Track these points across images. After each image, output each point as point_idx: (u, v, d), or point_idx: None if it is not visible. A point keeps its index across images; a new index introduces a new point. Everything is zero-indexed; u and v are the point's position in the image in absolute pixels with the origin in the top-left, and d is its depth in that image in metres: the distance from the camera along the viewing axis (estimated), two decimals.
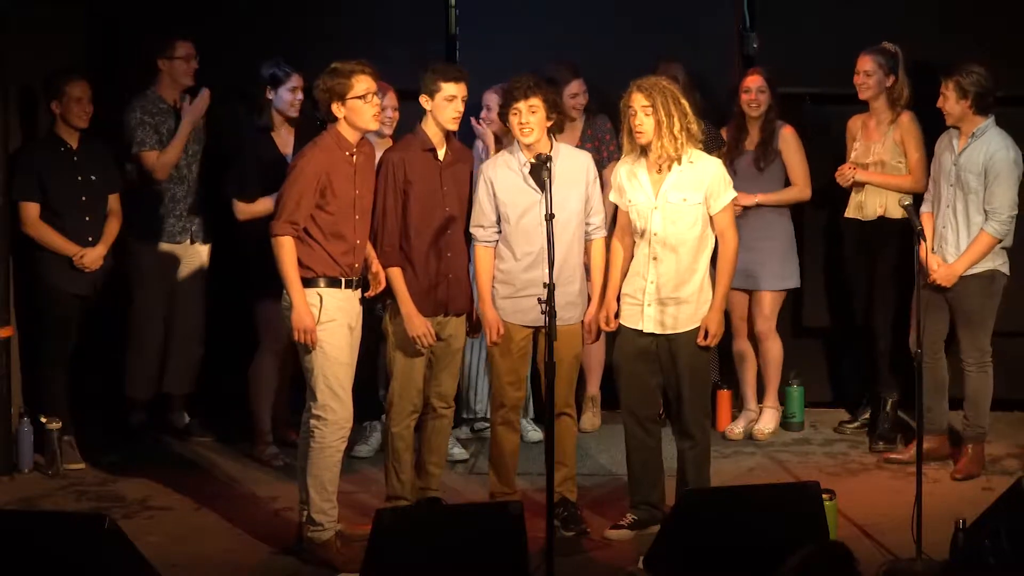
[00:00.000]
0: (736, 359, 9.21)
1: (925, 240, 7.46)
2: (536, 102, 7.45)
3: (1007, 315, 8.92)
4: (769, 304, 9.02)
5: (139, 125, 8.81)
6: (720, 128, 9.00)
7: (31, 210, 8.52)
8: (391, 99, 8.33)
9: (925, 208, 8.45)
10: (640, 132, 7.40)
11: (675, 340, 7.48)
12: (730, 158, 8.84)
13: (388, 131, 8.39)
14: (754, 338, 9.13)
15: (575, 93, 8.90)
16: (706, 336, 7.45)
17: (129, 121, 8.83)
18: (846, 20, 9.23)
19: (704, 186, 7.43)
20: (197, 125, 8.90)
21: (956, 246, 8.26)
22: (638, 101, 7.38)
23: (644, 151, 7.46)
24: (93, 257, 8.56)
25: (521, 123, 7.46)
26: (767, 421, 9.10)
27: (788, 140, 8.94)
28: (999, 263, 8.31)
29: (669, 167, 7.43)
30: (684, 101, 7.41)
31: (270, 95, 8.60)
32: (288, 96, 8.60)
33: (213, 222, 9.02)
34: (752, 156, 8.95)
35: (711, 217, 7.47)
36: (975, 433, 8.42)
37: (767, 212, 8.94)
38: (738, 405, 9.30)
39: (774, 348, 9.08)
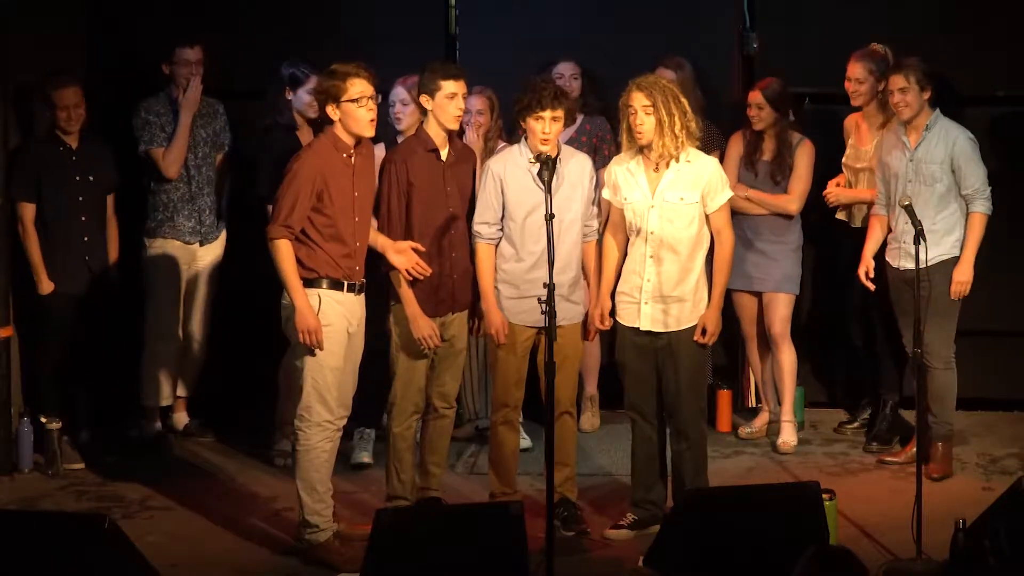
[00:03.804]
0: (751, 362, 9.17)
1: (924, 240, 7.44)
2: (560, 113, 7.44)
3: (1008, 315, 8.93)
4: (784, 306, 8.86)
5: (145, 125, 8.83)
6: (720, 127, 9.00)
7: (27, 211, 8.53)
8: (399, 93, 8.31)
9: (880, 211, 8.42)
10: (640, 132, 7.39)
11: (673, 338, 7.48)
12: (748, 161, 8.79)
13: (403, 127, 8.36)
14: (760, 342, 9.08)
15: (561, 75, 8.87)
16: (704, 334, 7.46)
17: (135, 123, 8.85)
18: (846, 20, 9.22)
19: (701, 185, 7.43)
20: (206, 126, 8.92)
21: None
22: (638, 100, 7.37)
23: (643, 149, 7.46)
24: (46, 290, 8.57)
25: (545, 131, 7.42)
26: (789, 434, 8.90)
27: (800, 154, 8.77)
28: (959, 250, 8.31)
29: (667, 165, 7.43)
30: (684, 100, 7.41)
31: (289, 95, 8.59)
32: (307, 97, 8.52)
33: (226, 225, 9.03)
34: (768, 169, 8.82)
35: (707, 216, 7.48)
36: (944, 431, 8.38)
37: (779, 214, 8.87)
38: (737, 408, 9.31)
39: (789, 356, 8.88)
